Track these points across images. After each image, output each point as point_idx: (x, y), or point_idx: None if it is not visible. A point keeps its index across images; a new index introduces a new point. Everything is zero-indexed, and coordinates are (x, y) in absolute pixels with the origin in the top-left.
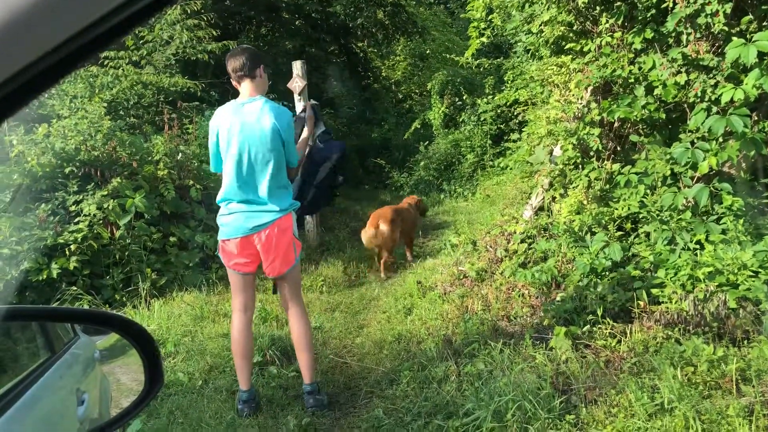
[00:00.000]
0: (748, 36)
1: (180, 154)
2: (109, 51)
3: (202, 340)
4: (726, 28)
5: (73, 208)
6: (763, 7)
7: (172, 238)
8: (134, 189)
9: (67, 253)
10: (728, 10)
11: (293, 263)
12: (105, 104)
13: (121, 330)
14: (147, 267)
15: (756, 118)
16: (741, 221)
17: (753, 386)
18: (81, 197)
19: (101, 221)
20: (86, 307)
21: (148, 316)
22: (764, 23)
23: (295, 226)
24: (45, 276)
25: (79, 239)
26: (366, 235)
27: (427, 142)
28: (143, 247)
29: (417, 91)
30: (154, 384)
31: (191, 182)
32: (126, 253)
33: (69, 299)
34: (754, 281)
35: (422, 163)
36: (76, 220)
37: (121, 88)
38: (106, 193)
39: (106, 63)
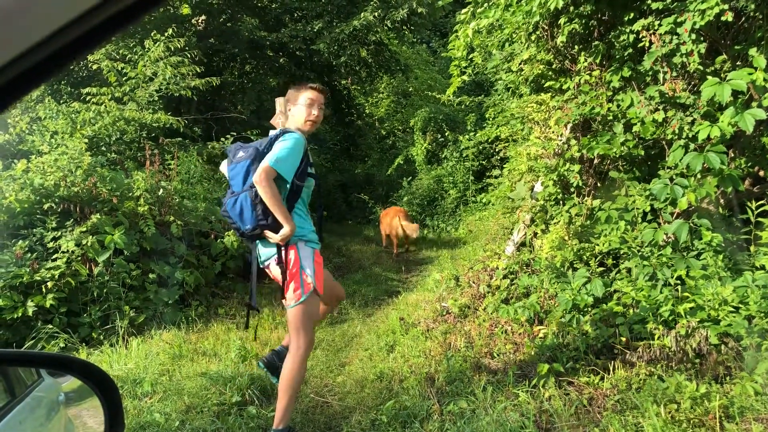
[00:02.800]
0: (722, 75)
1: (161, 190)
2: (92, 87)
3: (180, 380)
4: (701, 67)
5: (51, 244)
6: (736, 47)
7: (151, 275)
8: (114, 225)
9: (44, 290)
10: (702, 50)
11: (296, 300)
12: (86, 140)
13: (81, 374)
14: (125, 304)
15: (732, 155)
16: (720, 257)
17: (736, 423)
18: (59, 233)
19: (79, 258)
20: (62, 345)
21: (125, 355)
22: (738, 63)
23: (307, 263)
24: (20, 314)
25: (57, 276)
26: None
27: (410, 177)
28: (122, 284)
29: (400, 127)
30: (114, 430)
31: (172, 218)
32: (104, 290)
33: (44, 337)
34: (734, 317)
35: (405, 199)
36: (54, 256)
37: (103, 124)
38: (85, 229)
39: (88, 99)
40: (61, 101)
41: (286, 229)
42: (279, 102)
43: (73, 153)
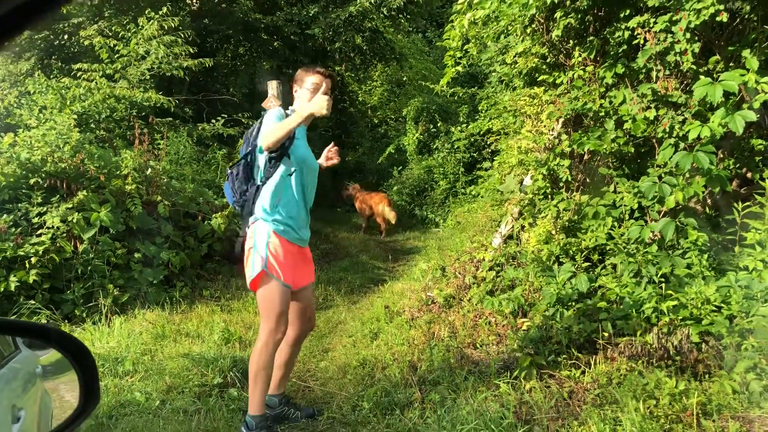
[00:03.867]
0: (714, 75)
1: (149, 170)
2: (83, 63)
3: (162, 360)
4: (694, 67)
5: (36, 220)
6: (730, 48)
7: (137, 254)
8: (100, 203)
9: (27, 265)
10: (696, 50)
11: (248, 278)
12: (75, 116)
13: (58, 344)
14: (109, 283)
15: (721, 156)
16: (705, 256)
17: (713, 421)
18: (45, 209)
19: (64, 234)
20: (44, 321)
21: (107, 333)
22: (731, 64)
23: (260, 242)
24: (2, 288)
25: (41, 252)
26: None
27: (401, 167)
28: (106, 263)
29: (392, 116)
30: (89, 403)
31: (159, 198)
32: (88, 268)
33: (26, 313)
34: (716, 316)
35: (395, 188)
36: (39, 232)
37: (93, 101)
38: (71, 205)
39: (79, 75)
40: (51, 76)
41: (305, 111)
42: (271, 85)
43: (61, 129)
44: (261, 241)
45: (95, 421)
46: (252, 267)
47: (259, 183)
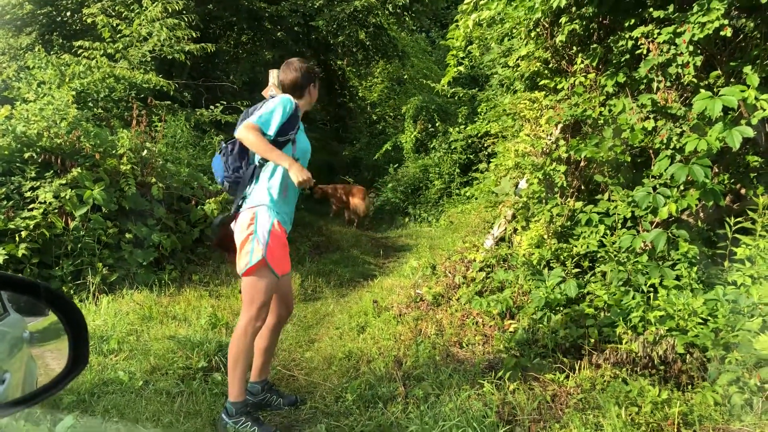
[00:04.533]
0: (715, 90)
1: (145, 151)
2: (84, 41)
3: (147, 341)
4: (695, 80)
5: (28, 194)
6: (732, 64)
7: (128, 235)
8: (94, 181)
9: (17, 239)
10: (698, 63)
11: (243, 267)
12: (73, 93)
13: (47, 300)
14: (99, 261)
15: (716, 170)
16: (695, 269)
17: (694, 431)
18: (38, 184)
19: (56, 210)
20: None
21: (94, 311)
22: (731, 79)
23: (262, 229)
24: None
25: (31, 226)
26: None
27: (397, 164)
28: (97, 241)
29: (391, 114)
30: (77, 364)
31: (154, 180)
32: (78, 245)
33: None
34: (702, 328)
35: (390, 185)
36: (31, 206)
37: (93, 79)
38: (64, 182)
39: (79, 53)
40: (52, 52)
41: (291, 169)
42: (272, 74)
43: (59, 104)
44: (263, 229)
45: (77, 397)
46: (251, 253)
47: (256, 163)
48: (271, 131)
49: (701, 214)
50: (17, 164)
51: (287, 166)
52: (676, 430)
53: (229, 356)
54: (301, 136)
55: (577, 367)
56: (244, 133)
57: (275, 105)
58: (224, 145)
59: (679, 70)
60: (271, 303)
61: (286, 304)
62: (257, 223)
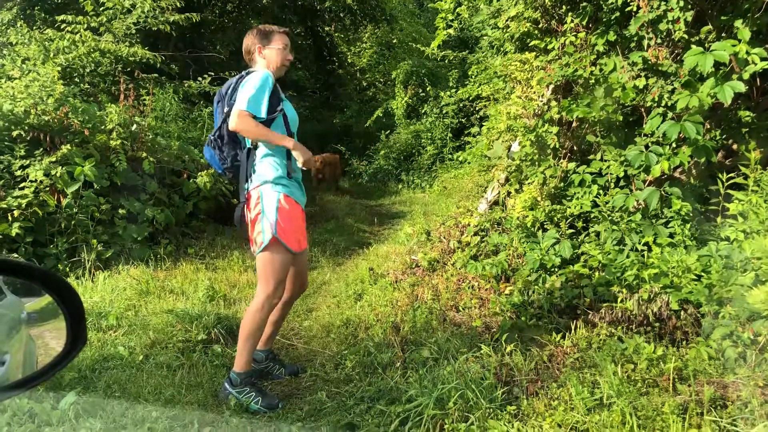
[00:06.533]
0: (706, 45)
1: (135, 125)
2: (67, 15)
3: (146, 315)
4: (686, 36)
5: (18, 172)
6: (723, 18)
7: (121, 210)
8: (84, 157)
9: (10, 218)
10: (689, 19)
11: (258, 247)
12: (59, 69)
13: (41, 282)
14: (93, 238)
15: (709, 126)
16: (688, 226)
17: (689, 385)
18: (28, 162)
19: (48, 188)
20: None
21: (91, 288)
22: (723, 34)
23: (269, 207)
24: None
25: (24, 205)
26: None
27: (389, 131)
28: (90, 218)
29: (381, 79)
30: (75, 343)
31: (144, 155)
32: (72, 223)
33: None
34: (696, 285)
35: (382, 152)
36: (22, 185)
37: (78, 54)
38: (54, 159)
39: (62, 27)
40: (34, 27)
41: (294, 150)
42: None
43: (44, 81)
44: (270, 206)
45: (78, 374)
46: (263, 233)
47: (249, 146)
48: (263, 113)
49: (694, 171)
50: (5, 143)
51: (291, 147)
52: (671, 385)
53: (242, 329)
54: (287, 105)
55: (572, 327)
56: (239, 124)
57: (257, 84)
58: (211, 137)
59: (670, 27)
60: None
61: (301, 280)
62: (263, 202)
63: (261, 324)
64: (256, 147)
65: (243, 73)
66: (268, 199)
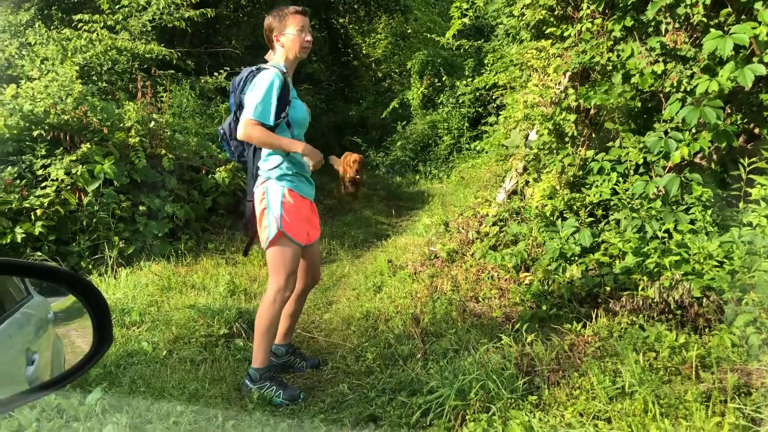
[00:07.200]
0: (725, 28)
1: (153, 123)
2: (83, 14)
3: (168, 311)
4: (705, 20)
5: (40, 172)
6: (742, 0)
7: (141, 207)
8: (104, 155)
9: (33, 217)
10: (708, 2)
11: (265, 242)
12: (77, 68)
13: (69, 285)
14: (114, 235)
15: (729, 111)
16: (709, 212)
17: (712, 373)
18: (49, 161)
19: (69, 186)
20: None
21: (114, 285)
22: (742, 16)
23: (274, 201)
24: (8, 240)
25: (46, 204)
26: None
27: (405, 122)
28: (111, 215)
29: (397, 70)
30: (101, 344)
31: (163, 151)
32: (93, 221)
33: None
34: (718, 271)
35: (399, 143)
36: (43, 184)
37: (95, 52)
38: (74, 158)
39: (79, 26)
40: (52, 27)
41: (304, 154)
42: None
43: (63, 80)
44: (275, 201)
45: (104, 370)
46: (269, 228)
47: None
48: (271, 119)
49: (714, 157)
50: (27, 143)
51: (300, 151)
52: (694, 373)
53: (257, 325)
54: (295, 104)
55: (593, 316)
56: (248, 133)
57: (265, 89)
58: (220, 131)
59: (688, 10)
60: (298, 271)
61: (312, 272)
62: (268, 197)
63: (275, 318)
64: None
65: (254, 69)
66: (272, 194)
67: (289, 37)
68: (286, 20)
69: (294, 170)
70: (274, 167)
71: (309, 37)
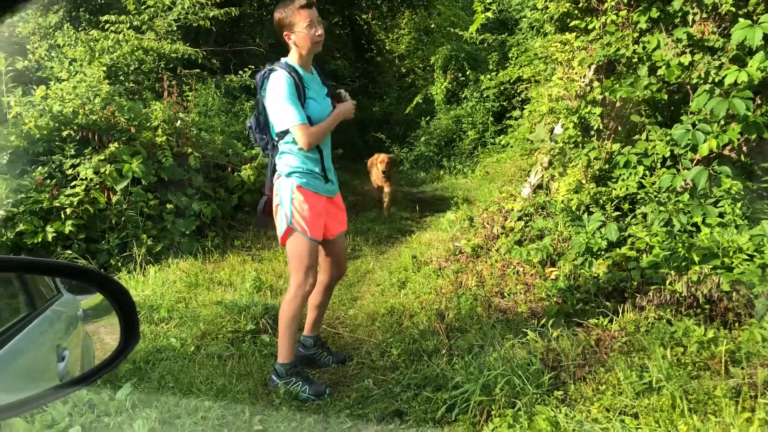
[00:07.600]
0: (754, 17)
1: (179, 122)
2: (110, 15)
3: (196, 307)
4: (733, 9)
5: (69, 171)
6: None
7: (168, 205)
8: (132, 154)
9: (63, 216)
10: None
11: (279, 236)
12: (104, 68)
13: (98, 285)
14: (143, 233)
15: (759, 102)
16: (738, 205)
17: (742, 368)
18: (78, 161)
19: (98, 186)
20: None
21: (142, 282)
22: None
23: (284, 198)
24: (40, 239)
25: (75, 203)
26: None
27: (429, 117)
28: (139, 213)
29: (420, 65)
30: (129, 341)
31: (190, 150)
32: (122, 219)
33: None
34: (748, 265)
35: (423, 139)
36: (73, 184)
37: (122, 53)
38: (103, 157)
39: (107, 27)
40: (80, 28)
41: (340, 117)
42: None
43: (91, 81)
44: (285, 198)
45: (133, 366)
46: (280, 223)
47: (274, 138)
48: (304, 117)
49: (744, 149)
50: (57, 143)
51: (342, 118)
52: (723, 368)
53: (280, 320)
54: (310, 106)
55: (620, 311)
56: (306, 139)
57: (280, 96)
58: (248, 124)
59: (716, 0)
60: (318, 265)
61: (337, 265)
62: (280, 194)
63: (297, 313)
64: (280, 138)
65: (266, 70)
66: (283, 190)
67: (299, 34)
68: (294, 17)
69: (305, 167)
70: (286, 164)
71: (320, 31)
